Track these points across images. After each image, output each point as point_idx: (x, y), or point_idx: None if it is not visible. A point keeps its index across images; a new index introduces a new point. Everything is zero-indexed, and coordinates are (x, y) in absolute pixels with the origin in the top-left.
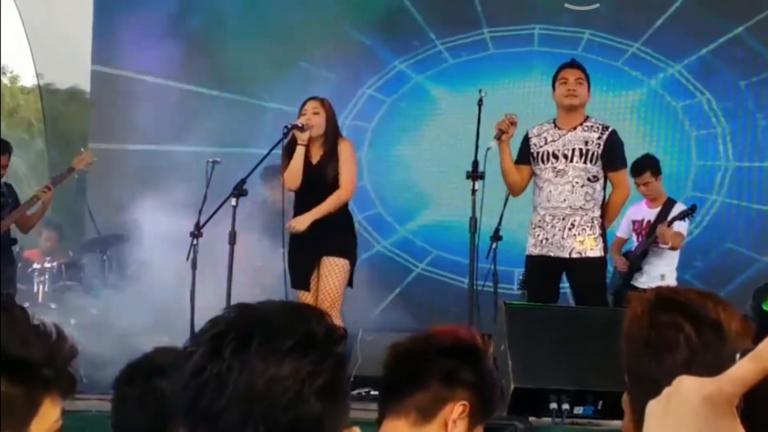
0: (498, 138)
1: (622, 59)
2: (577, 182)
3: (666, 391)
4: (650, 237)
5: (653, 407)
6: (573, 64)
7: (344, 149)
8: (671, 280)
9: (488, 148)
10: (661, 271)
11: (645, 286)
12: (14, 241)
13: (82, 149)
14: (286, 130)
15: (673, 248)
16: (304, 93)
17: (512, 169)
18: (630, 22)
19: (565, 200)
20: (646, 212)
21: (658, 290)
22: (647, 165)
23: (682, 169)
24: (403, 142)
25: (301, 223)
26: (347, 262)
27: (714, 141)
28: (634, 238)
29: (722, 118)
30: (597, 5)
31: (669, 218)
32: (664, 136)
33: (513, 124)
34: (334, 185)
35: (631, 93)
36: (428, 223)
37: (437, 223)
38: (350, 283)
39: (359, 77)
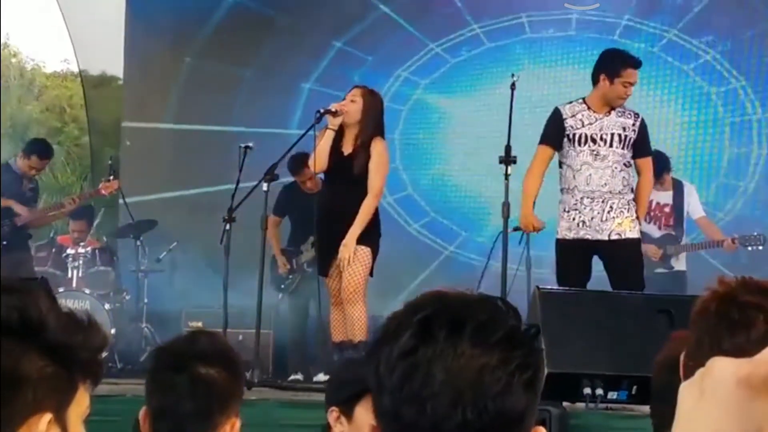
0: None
1: (659, 45)
2: (616, 167)
3: (699, 372)
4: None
5: (686, 390)
6: (639, 65)
7: (376, 149)
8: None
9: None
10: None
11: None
12: (29, 236)
13: (111, 178)
14: (318, 115)
15: None
16: (339, 74)
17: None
18: (667, 8)
19: (606, 184)
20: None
21: (745, 277)
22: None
23: (716, 156)
24: (436, 124)
25: (349, 248)
26: (369, 250)
27: (749, 127)
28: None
29: (757, 104)
30: (597, 5)
31: (740, 237)
32: (699, 122)
33: (536, 229)
34: (359, 180)
35: (667, 79)
36: (459, 206)
37: (469, 206)
38: (371, 273)
39: (395, 59)
